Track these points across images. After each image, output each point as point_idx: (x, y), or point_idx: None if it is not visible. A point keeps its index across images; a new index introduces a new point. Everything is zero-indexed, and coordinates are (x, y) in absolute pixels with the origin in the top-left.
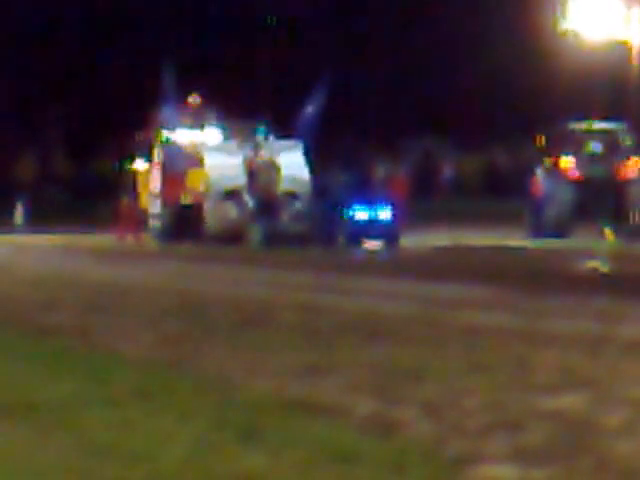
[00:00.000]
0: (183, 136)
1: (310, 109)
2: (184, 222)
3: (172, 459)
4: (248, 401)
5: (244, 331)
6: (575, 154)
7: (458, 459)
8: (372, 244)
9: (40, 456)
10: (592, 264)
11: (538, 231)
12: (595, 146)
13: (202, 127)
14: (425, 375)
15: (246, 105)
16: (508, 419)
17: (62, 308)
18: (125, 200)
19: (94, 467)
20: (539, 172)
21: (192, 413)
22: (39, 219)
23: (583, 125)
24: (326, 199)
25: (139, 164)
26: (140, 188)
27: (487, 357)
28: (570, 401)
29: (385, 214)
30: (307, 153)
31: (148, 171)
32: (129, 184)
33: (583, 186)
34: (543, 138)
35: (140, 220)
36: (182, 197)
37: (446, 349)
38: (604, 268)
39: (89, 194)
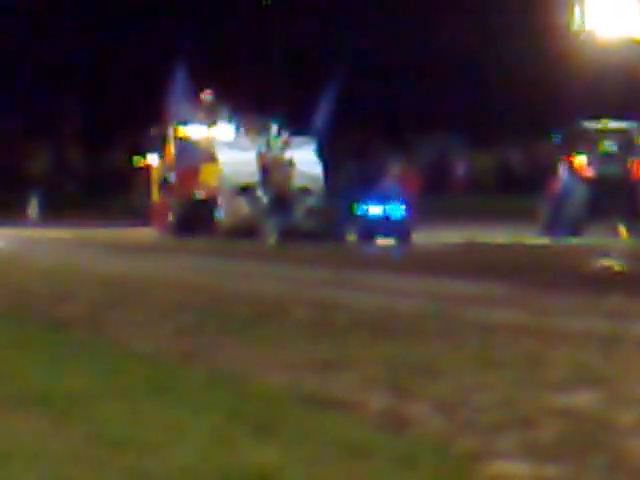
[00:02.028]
0: (196, 131)
1: (323, 104)
2: (197, 217)
3: (185, 452)
4: (262, 395)
5: (257, 326)
6: (589, 153)
7: (470, 455)
8: (385, 241)
9: (53, 448)
10: (606, 262)
11: (554, 229)
12: (609, 145)
13: (215, 123)
14: (438, 371)
15: (260, 100)
16: (521, 416)
17: (75, 301)
18: (157, 195)
19: (108, 460)
20: (560, 170)
21: (206, 407)
22: (53, 212)
23: (597, 124)
24: (339, 195)
25: (152, 159)
26: (153, 183)
27: (500, 354)
28: (583, 398)
29: (398, 211)
30: (320, 149)
31: (161, 166)
32: (143, 179)
33: (597, 185)
34: (558, 136)
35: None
36: (195, 192)
37: (459, 346)
38: (618, 266)
39: (103, 188)
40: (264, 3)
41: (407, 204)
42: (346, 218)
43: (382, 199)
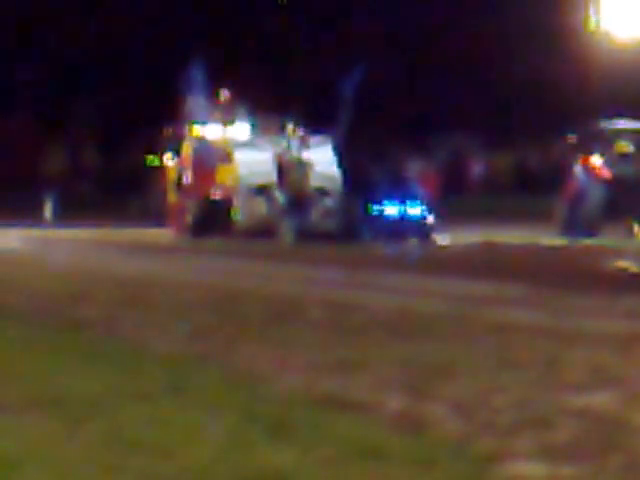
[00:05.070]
0: (213, 131)
1: (340, 104)
2: (214, 218)
3: (202, 454)
4: (278, 397)
5: (274, 327)
6: (605, 153)
7: (488, 457)
8: (405, 241)
9: (71, 451)
10: (622, 263)
11: (570, 229)
12: (625, 145)
13: (232, 122)
14: (455, 372)
15: (277, 100)
16: (537, 417)
17: (92, 302)
18: (173, 196)
19: (124, 462)
20: (576, 170)
21: (222, 408)
22: (69, 213)
23: (613, 124)
24: (357, 196)
25: (168, 159)
26: (169, 183)
27: (517, 355)
28: (599, 399)
29: (417, 211)
30: (338, 149)
31: (177, 166)
32: (160, 179)
33: (613, 185)
34: (575, 137)
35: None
36: (212, 193)
37: (476, 346)
38: (634, 267)
39: (119, 189)
40: (280, 2)
41: (428, 204)
42: (364, 218)
43: (401, 199)
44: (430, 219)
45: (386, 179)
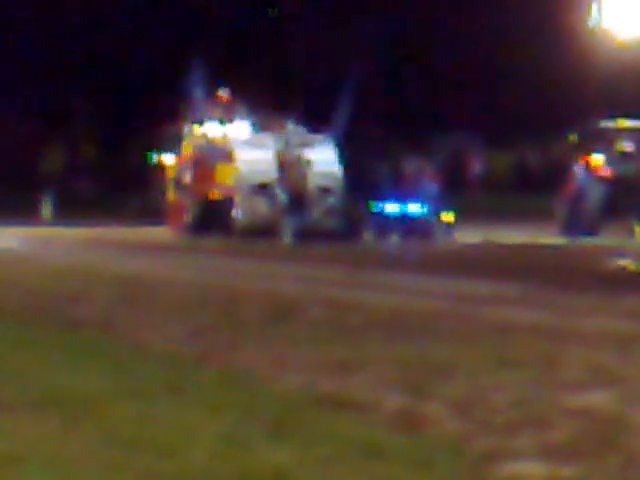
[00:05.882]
0: (213, 130)
1: (341, 103)
2: (214, 216)
3: (201, 453)
4: (277, 396)
5: (274, 326)
6: (606, 152)
7: (486, 456)
8: (414, 240)
9: (69, 449)
10: (622, 262)
11: (570, 228)
12: (626, 144)
13: (232, 121)
14: (454, 371)
15: (277, 98)
16: (536, 416)
17: (90, 301)
18: (173, 194)
19: (123, 461)
20: (576, 169)
21: (221, 407)
22: (67, 212)
23: (614, 123)
24: (359, 194)
25: (167, 158)
26: (168, 182)
27: (516, 354)
28: (599, 398)
29: (418, 209)
30: (340, 148)
31: (176, 165)
32: (160, 178)
33: (614, 184)
34: (575, 136)
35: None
36: (212, 191)
37: (476, 346)
38: (634, 266)
39: (118, 187)
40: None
41: (446, 203)
42: (366, 217)
43: (403, 198)
44: (450, 218)
45: (388, 178)
